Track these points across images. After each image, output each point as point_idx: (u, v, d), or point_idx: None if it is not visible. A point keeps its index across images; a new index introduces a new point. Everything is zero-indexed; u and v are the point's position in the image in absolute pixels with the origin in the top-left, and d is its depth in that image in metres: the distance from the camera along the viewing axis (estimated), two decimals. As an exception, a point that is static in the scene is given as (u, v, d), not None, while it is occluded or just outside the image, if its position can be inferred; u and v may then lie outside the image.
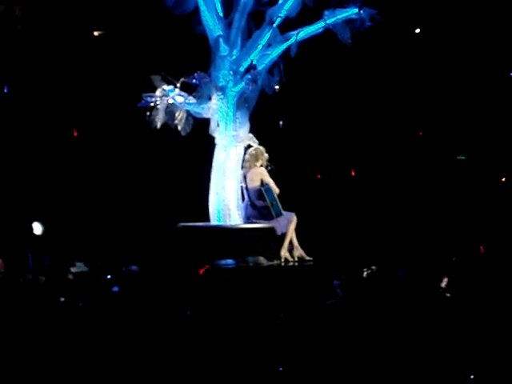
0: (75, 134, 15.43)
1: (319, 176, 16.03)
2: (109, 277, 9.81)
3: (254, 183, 12.50)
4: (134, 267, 8.77)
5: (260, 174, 12.51)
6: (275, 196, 12.40)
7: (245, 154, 12.62)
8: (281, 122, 15.35)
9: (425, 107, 16.13)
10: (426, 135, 16.25)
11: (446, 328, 7.76)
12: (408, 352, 7.48)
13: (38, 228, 14.06)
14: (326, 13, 12.53)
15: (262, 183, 12.48)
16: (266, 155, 12.61)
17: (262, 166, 12.60)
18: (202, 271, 9.81)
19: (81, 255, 12.51)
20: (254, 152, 12.55)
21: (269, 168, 12.65)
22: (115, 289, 8.57)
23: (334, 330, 7.64)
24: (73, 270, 10.90)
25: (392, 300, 8.22)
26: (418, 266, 9.89)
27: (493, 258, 11.96)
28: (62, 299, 8.25)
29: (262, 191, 12.40)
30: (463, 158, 15.95)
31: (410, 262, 10.83)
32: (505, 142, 16.05)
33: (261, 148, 12.58)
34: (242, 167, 12.57)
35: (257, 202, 12.47)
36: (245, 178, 12.56)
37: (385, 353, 7.45)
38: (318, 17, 12.53)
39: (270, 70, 12.53)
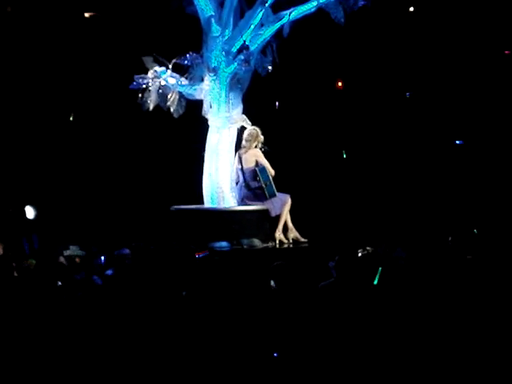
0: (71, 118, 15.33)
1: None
2: (103, 258, 9.75)
3: (249, 164, 12.44)
4: (127, 251, 8.70)
5: (255, 155, 12.46)
6: (270, 177, 12.35)
7: (238, 135, 12.54)
8: (277, 103, 15.24)
9: (419, 88, 16.04)
10: (421, 116, 16.15)
11: (445, 311, 7.69)
12: (405, 335, 7.42)
13: (30, 212, 14.00)
14: (318, -8, 12.38)
15: (257, 164, 12.41)
16: (262, 137, 12.54)
17: (256, 147, 12.52)
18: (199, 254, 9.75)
19: (74, 239, 12.42)
20: (253, 131, 12.47)
21: (263, 149, 12.57)
22: (109, 272, 8.50)
23: (328, 312, 7.57)
24: (66, 253, 10.82)
25: (390, 281, 8.16)
26: (416, 247, 9.84)
27: (489, 239, 11.89)
28: (58, 283, 8.18)
29: (256, 172, 12.34)
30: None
31: (407, 243, 10.79)
32: (502, 127, 15.97)
33: (257, 129, 12.51)
34: (241, 147, 12.49)
35: (251, 183, 12.41)
36: (240, 159, 12.47)
37: (380, 336, 7.39)
38: (310, -4, 12.39)
39: (263, 50, 12.43)
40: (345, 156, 15.72)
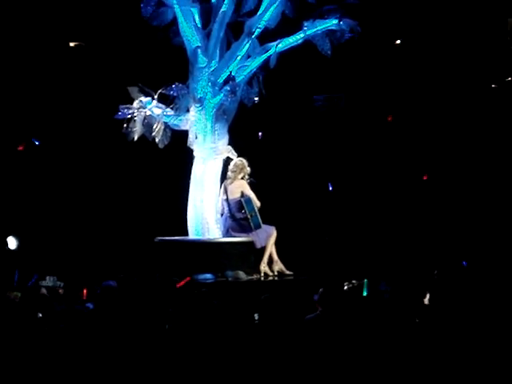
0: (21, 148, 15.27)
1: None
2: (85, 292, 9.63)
3: (235, 195, 12.37)
4: (112, 282, 8.60)
5: (241, 186, 12.40)
6: (255, 208, 12.28)
7: (224, 166, 12.48)
8: (260, 134, 15.23)
9: (405, 119, 16.09)
10: (404, 149, 16.19)
11: (430, 342, 7.63)
12: (390, 367, 7.35)
13: (12, 243, 13.89)
14: (305, 24, 12.42)
15: (243, 195, 12.35)
16: (249, 168, 12.49)
17: (243, 178, 12.46)
18: (181, 284, 9.65)
19: (56, 270, 12.30)
20: (238, 163, 12.42)
21: (249, 181, 12.51)
22: (89, 305, 8.40)
23: (314, 345, 7.49)
24: (43, 283, 10.70)
25: (375, 314, 8.10)
26: (401, 281, 9.80)
27: (475, 271, 11.87)
28: (38, 315, 8.08)
29: (241, 202, 12.27)
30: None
31: (392, 277, 10.74)
32: (486, 158, 16.04)
33: (244, 160, 12.46)
34: (226, 178, 12.42)
35: (236, 214, 12.34)
36: (226, 189, 12.41)
37: (366, 367, 7.31)
38: (297, 28, 12.41)
39: (249, 81, 12.43)
40: (331, 189, 15.70)
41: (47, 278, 11.05)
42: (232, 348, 7.40)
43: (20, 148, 15.27)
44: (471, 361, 7.45)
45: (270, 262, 12.32)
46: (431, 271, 10.33)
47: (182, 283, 9.56)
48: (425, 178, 16.19)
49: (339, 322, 7.91)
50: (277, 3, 12.30)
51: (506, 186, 15.83)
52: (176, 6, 12.32)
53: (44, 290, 9.80)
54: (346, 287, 10.08)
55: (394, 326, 7.91)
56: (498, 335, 7.71)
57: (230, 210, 12.38)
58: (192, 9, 12.40)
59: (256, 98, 12.47)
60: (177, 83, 12.30)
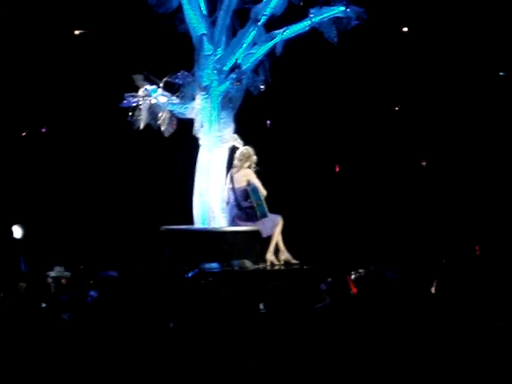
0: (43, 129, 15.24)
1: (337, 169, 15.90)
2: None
3: (241, 184, 12.31)
4: (113, 273, 8.56)
5: (247, 175, 12.34)
6: (261, 197, 12.22)
7: (230, 155, 12.42)
8: (268, 122, 15.16)
9: (412, 106, 16.03)
10: (413, 138, 16.14)
11: (438, 332, 7.59)
12: (400, 358, 7.30)
13: (18, 231, 13.86)
14: (312, 11, 12.34)
15: (249, 184, 12.29)
16: (255, 157, 12.42)
17: (249, 167, 12.40)
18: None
19: (62, 259, 12.27)
20: (245, 151, 12.36)
21: (254, 170, 12.45)
22: (93, 293, 8.35)
23: (324, 334, 7.45)
24: (52, 274, 10.66)
25: (384, 303, 8.05)
26: (409, 269, 9.74)
27: (484, 259, 11.82)
28: (42, 305, 8.05)
29: (247, 191, 12.20)
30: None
31: (400, 265, 10.70)
32: (494, 146, 15.97)
33: (250, 149, 12.39)
34: (232, 166, 12.36)
35: (242, 203, 12.28)
36: (232, 178, 12.35)
37: (376, 358, 7.27)
38: (303, 15, 12.33)
39: (255, 69, 12.36)
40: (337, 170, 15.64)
41: (55, 267, 11.01)
42: (239, 337, 7.37)
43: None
44: (476, 351, 7.41)
45: (277, 251, 12.27)
46: (439, 259, 10.29)
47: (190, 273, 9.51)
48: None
49: (348, 311, 7.87)
50: (283, -10, 12.22)
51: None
52: (181, -7, 12.24)
53: (50, 280, 9.76)
54: (352, 276, 10.03)
55: (401, 314, 7.87)
56: (504, 325, 7.67)
57: (235, 198, 12.32)
58: (198, -4, 12.33)
59: (262, 86, 12.39)
60: (182, 71, 12.23)
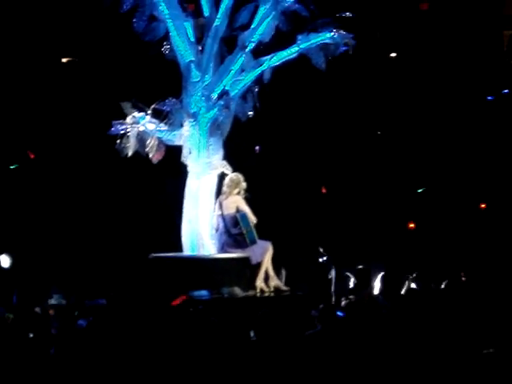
0: (31, 156, 15.18)
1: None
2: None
3: (230, 210, 12.25)
4: (102, 301, 8.49)
5: (236, 202, 12.28)
6: (250, 223, 12.17)
7: (218, 181, 12.38)
8: (257, 147, 15.16)
9: (400, 130, 16.08)
10: (401, 160, 16.18)
11: (430, 358, 7.55)
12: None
13: (5, 261, 13.78)
14: (299, 37, 12.36)
15: (238, 210, 12.24)
16: (244, 184, 12.37)
17: (238, 193, 12.35)
18: (176, 302, 9.53)
19: (51, 288, 12.18)
20: (235, 178, 12.31)
21: (244, 196, 12.41)
22: (81, 322, 8.27)
23: (315, 361, 7.39)
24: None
25: (374, 329, 8.01)
26: (398, 295, 9.72)
27: (475, 285, 11.79)
28: (29, 335, 7.96)
29: (237, 218, 12.15)
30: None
31: (389, 291, 10.68)
32: (493, 156, 16.04)
33: (239, 175, 12.35)
34: (221, 193, 12.32)
35: (232, 230, 12.22)
36: (221, 205, 12.30)
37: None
38: (291, 41, 12.34)
39: (244, 95, 12.36)
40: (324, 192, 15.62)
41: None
42: (230, 365, 7.30)
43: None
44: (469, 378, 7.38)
45: (267, 278, 12.20)
46: (429, 285, 10.27)
47: (178, 301, 9.42)
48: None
49: (340, 338, 7.81)
50: (270, 17, 12.24)
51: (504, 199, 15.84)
52: (169, 21, 12.25)
53: (37, 309, 9.66)
54: (343, 303, 10.00)
55: (392, 340, 7.83)
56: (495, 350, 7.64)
57: (225, 225, 12.26)
58: (185, 23, 12.34)
59: (250, 113, 12.39)
60: (170, 98, 12.21)
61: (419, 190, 16.13)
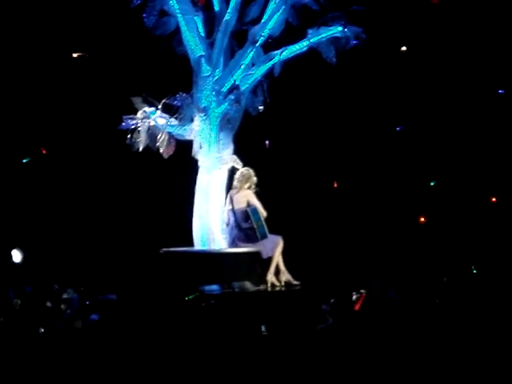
0: (43, 151, 15.24)
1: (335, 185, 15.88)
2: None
3: (241, 205, 12.26)
4: (112, 296, 8.51)
5: (247, 196, 12.29)
6: (261, 218, 12.18)
7: (229, 176, 12.38)
8: (267, 142, 15.16)
9: (411, 127, 16.03)
10: (412, 155, 16.14)
11: (440, 351, 7.54)
12: (403, 378, 7.25)
13: (17, 256, 13.82)
14: (310, 31, 12.34)
15: (249, 205, 12.24)
16: (255, 178, 12.38)
17: (249, 188, 12.36)
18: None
19: (62, 282, 12.21)
20: (245, 172, 12.32)
21: (254, 191, 12.41)
22: (94, 317, 8.30)
23: (327, 355, 7.40)
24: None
25: (386, 323, 8.01)
26: (410, 288, 9.70)
27: (483, 278, 11.78)
28: (40, 330, 8.00)
29: (247, 212, 12.16)
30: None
31: (401, 284, 10.66)
32: (490, 165, 15.98)
33: (250, 170, 12.36)
34: (232, 188, 12.32)
35: (243, 224, 12.23)
36: (232, 199, 12.31)
37: (379, 378, 7.22)
38: (301, 35, 12.33)
39: (254, 89, 12.37)
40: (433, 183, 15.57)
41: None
42: (241, 360, 7.31)
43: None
44: (477, 369, 7.37)
45: (277, 272, 12.21)
46: (440, 278, 10.26)
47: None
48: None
49: (351, 331, 7.81)
50: (280, 11, 12.23)
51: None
52: (179, 15, 12.26)
53: (49, 304, 9.70)
54: (354, 297, 9.99)
55: (404, 334, 7.83)
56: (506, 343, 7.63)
57: (235, 219, 12.28)
58: (195, 18, 12.35)
59: (261, 107, 12.39)
60: (181, 93, 12.23)
61: (432, 183, 16.09)
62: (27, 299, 9.69)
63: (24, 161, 15.33)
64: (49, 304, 9.67)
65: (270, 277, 12.13)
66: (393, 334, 7.86)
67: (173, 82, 12.54)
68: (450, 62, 15.66)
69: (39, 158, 15.57)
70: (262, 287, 12.01)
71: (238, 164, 12.39)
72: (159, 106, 12.29)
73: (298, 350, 7.43)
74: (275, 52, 12.30)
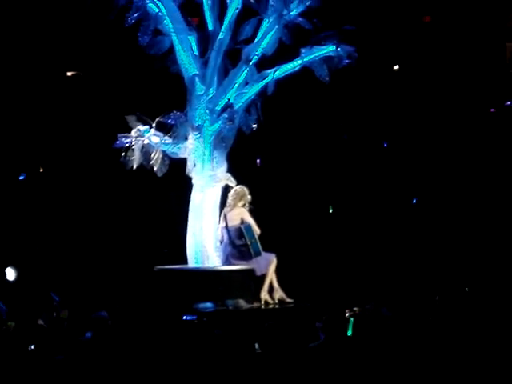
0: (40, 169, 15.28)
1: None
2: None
3: (235, 222, 12.29)
4: (104, 313, 8.52)
5: (241, 214, 12.32)
6: (255, 235, 12.20)
7: (223, 194, 12.42)
8: (258, 160, 15.20)
9: (403, 145, 16.09)
10: (405, 173, 16.19)
11: (434, 368, 7.56)
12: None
13: (11, 274, 13.81)
14: (303, 50, 12.40)
15: (242, 222, 12.27)
16: (249, 196, 12.41)
17: (243, 206, 12.39)
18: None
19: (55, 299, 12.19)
20: (239, 190, 12.36)
21: (248, 209, 12.44)
22: (88, 335, 8.31)
23: (318, 373, 7.40)
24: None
25: (379, 341, 8.02)
26: (403, 306, 9.72)
27: (476, 296, 11.80)
28: (30, 347, 7.99)
29: (241, 230, 12.19)
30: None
31: (393, 302, 10.67)
32: (484, 181, 16.03)
33: (245, 188, 12.39)
34: (226, 205, 12.35)
35: (236, 241, 12.25)
36: (225, 217, 12.34)
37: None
38: (295, 54, 12.39)
39: (247, 108, 12.39)
40: (331, 211, 15.63)
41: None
42: (234, 378, 7.31)
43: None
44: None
45: (271, 290, 12.22)
46: (433, 296, 10.27)
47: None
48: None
49: (343, 349, 7.82)
50: (274, 30, 12.29)
51: (504, 210, 15.81)
52: (173, 35, 12.31)
53: (41, 322, 9.69)
54: (347, 314, 10.00)
55: (397, 351, 7.84)
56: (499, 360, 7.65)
57: (229, 237, 12.30)
58: (189, 37, 12.40)
59: (254, 125, 12.43)
60: (175, 111, 12.27)
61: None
62: (19, 318, 9.69)
63: (20, 178, 15.34)
64: (41, 323, 9.67)
65: (264, 294, 12.13)
66: (385, 351, 7.88)
67: (167, 101, 12.60)
68: (441, 79, 15.74)
69: (34, 175, 15.58)
70: (255, 305, 12.01)
71: (232, 182, 12.43)
72: (153, 125, 12.32)
73: (291, 368, 7.44)
74: (269, 71, 12.35)
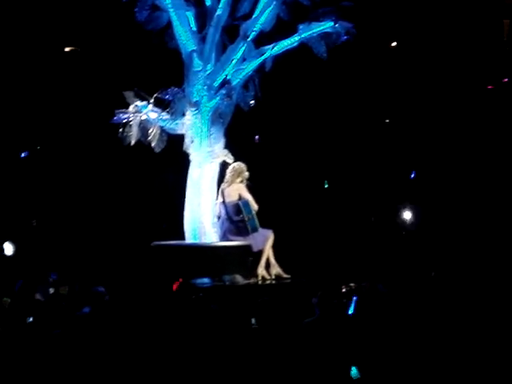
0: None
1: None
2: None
3: (232, 198, 12.32)
4: (102, 288, 8.57)
5: (238, 190, 12.35)
6: (252, 211, 12.23)
7: (221, 170, 12.44)
8: (256, 137, 15.21)
9: (400, 120, 16.09)
10: (405, 148, 16.20)
11: (430, 344, 7.61)
12: (391, 370, 7.31)
13: (9, 248, 13.85)
14: (300, 27, 12.39)
15: (240, 198, 12.30)
16: (247, 173, 12.43)
17: (241, 182, 12.41)
18: (175, 287, 9.60)
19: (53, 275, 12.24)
20: (237, 167, 12.38)
21: (246, 185, 12.47)
22: (86, 310, 8.36)
23: (313, 349, 7.45)
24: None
25: (374, 317, 8.07)
26: (399, 282, 9.77)
27: (472, 273, 11.85)
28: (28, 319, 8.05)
29: (239, 205, 12.22)
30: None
31: (390, 278, 10.73)
32: (484, 159, 16.03)
33: (242, 165, 12.41)
34: (224, 181, 12.38)
35: (234, 217, 12.29)
36: (223, 193, 12.37)
37: (367, 371, 7.28)
38: (292, 30, 12.37)
39: (245, 84, 12.40)
40: (326, 186, 15.65)
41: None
42: (230, 353, 7.36)
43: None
44: (469, 361, 7.44)
45: (268, 266, 12.27)
46: (428, 272, 10.32)
47: (176, 285, 9.50)
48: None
49: (338, 325, 7.87)
50: (272, 6, 12.27)
51: (503, 189, 15.83)
52: (171, 10, 12.29)
53: (39, 296, 9.74)
54: (343, 290, 10.05)
55: (392, 327, 7.88)
56: (495, 339, 7.70)
57: (227, 212, 12.33)
58: (187, 12, 12.38)
59: (252, 101, 12.43)
60: (172, 87, 12.27)
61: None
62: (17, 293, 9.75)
63: (22, 155, 15.36)
64: (38, 297, 9.72)
65: (261, 270, 12.19)
66: (381, 327, 7.92)
67: (164, 77, 12.58)
68: (439, 57, 15.72)
69: (31, 152, 15.59)
70: (252, 280, 12.06)
71: (229, 158, 12.45)
72: (151, 101, 12.33)
73: (287, 343, 7.49)
74: (266, 47, 12.34)
